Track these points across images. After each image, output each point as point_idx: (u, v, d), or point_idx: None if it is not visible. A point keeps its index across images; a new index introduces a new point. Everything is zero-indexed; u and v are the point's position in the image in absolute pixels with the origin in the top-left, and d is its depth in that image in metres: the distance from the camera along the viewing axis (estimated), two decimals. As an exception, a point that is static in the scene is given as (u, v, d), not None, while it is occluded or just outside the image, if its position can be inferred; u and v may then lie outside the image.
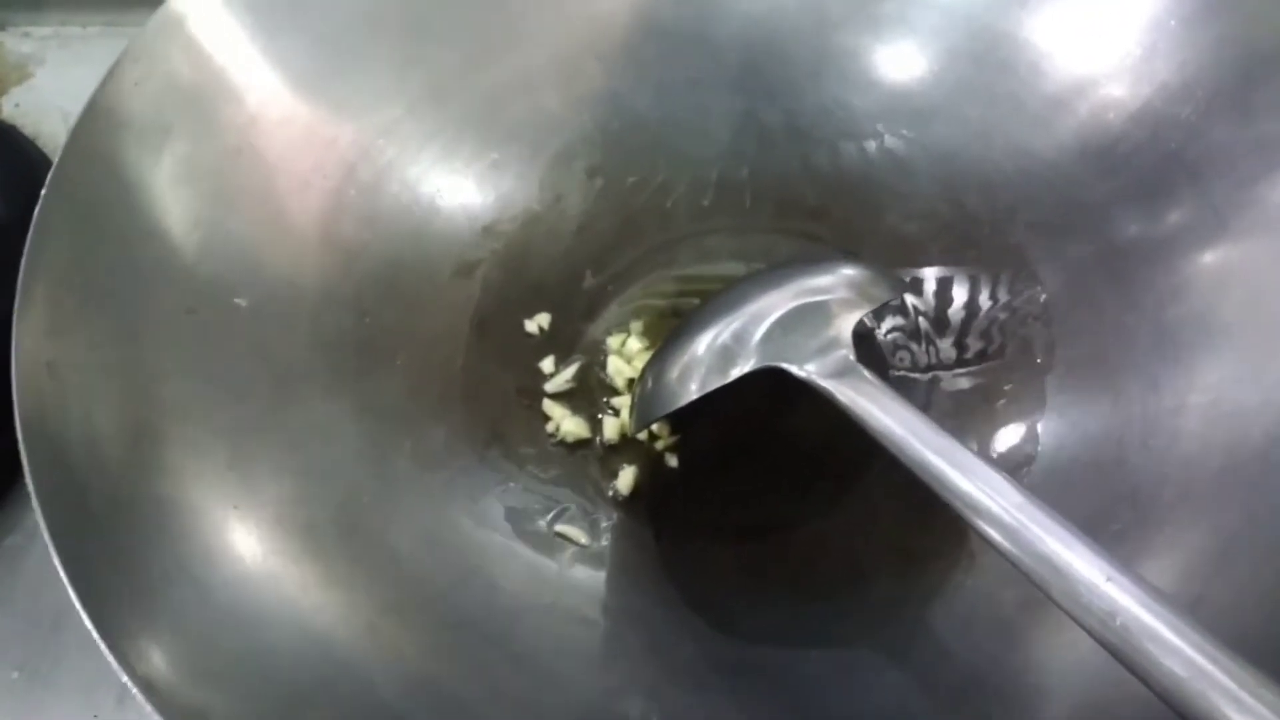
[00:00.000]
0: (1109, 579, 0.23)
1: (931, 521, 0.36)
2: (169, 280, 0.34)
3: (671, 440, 0.38)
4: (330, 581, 0.31)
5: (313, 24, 0.38)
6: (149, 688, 0.25)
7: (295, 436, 0.34)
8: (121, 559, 0.28)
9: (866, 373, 0.31)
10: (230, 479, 0.32)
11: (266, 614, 0.29)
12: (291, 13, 0.37)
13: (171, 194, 0.34)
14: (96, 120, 0.33)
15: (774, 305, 0.34)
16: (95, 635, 0.25)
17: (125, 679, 0.25)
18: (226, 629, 0.28)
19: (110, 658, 0.25)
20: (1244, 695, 0.21)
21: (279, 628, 0.29)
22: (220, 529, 0.31)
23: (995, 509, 0.26)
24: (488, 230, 0.42)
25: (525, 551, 0.35)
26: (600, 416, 0.39)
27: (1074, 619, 0.24)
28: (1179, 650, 0.22)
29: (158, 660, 0.27)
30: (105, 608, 0.26)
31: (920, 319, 0.40)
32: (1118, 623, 0.23)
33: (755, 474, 0.38)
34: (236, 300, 0.35)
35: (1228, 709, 0.21)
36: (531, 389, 0.40)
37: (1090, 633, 0.23)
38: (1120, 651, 0.22)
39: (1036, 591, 0.32)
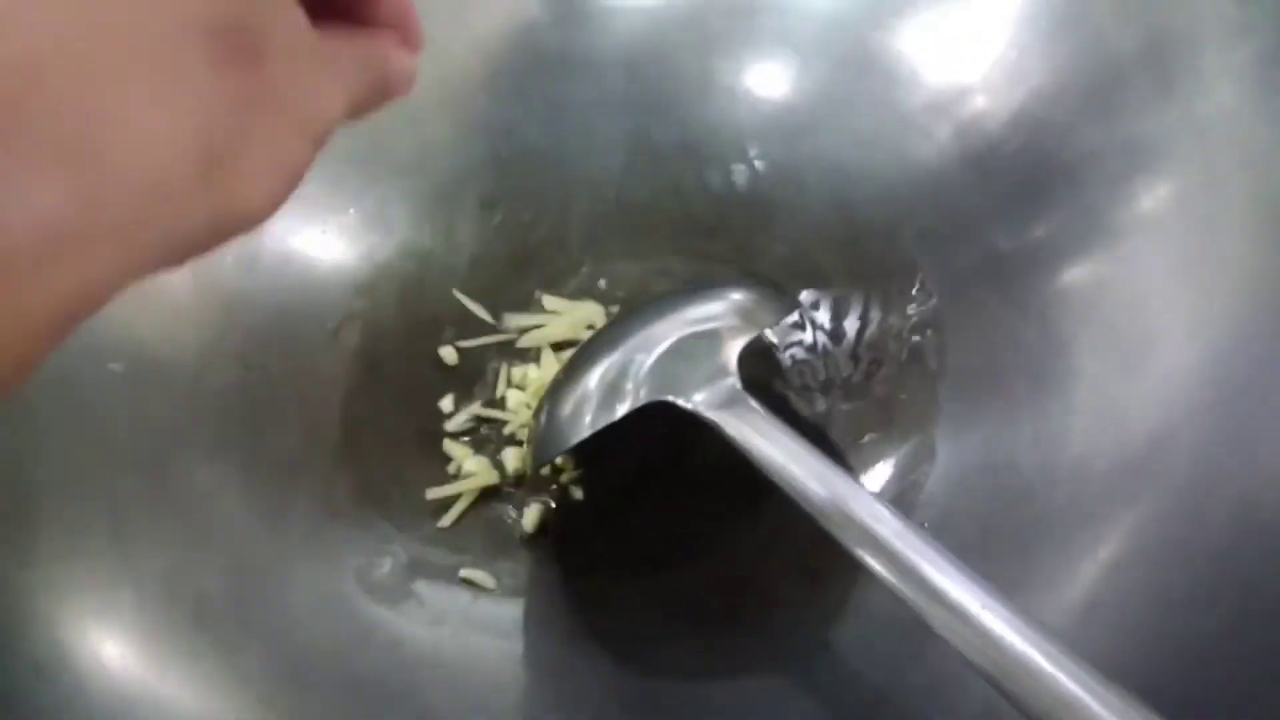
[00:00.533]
0: (984, 607, 0.23)
1: (832, 541, 0.36)
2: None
3: (575, 474, 0.38)
4: (223, 653, 0.31)
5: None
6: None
7: (181, 504, 0.33)
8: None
9: (753, 401, 0.31)
10: (111, 556, 0.31)
11: (155, 699, 0.29)
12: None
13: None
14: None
15: (662, 336, 0.34)
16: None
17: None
18: (102, 717, 0.27)
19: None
20: None
21: (169, 713, 0.28)
22: (100, 610, 0.30)
23: (875, 537, 0.26)
24: (379, 268, 0.41)
25: (429, 602, 0.35)
26: (501, 454, 0.38)
27: (953, 647, 0.24)
28: (1051, 677, 0.22)
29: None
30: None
31: (818, 333, 0.40)
32: (991, 651, 0.23)
33: (661, 504, 0.38)
34: (111, 366, 0.34)
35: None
36: (433, 430, 0.39)
37: (967, 660, 0.23)
38: (994, 679, 0.23)
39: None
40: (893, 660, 0.32)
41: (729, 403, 0.31)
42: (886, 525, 0.26)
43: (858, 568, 0.34)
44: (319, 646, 0.32)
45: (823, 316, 0.40)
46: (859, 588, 0.34)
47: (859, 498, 0.27)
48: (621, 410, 0.32)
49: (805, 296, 0.40)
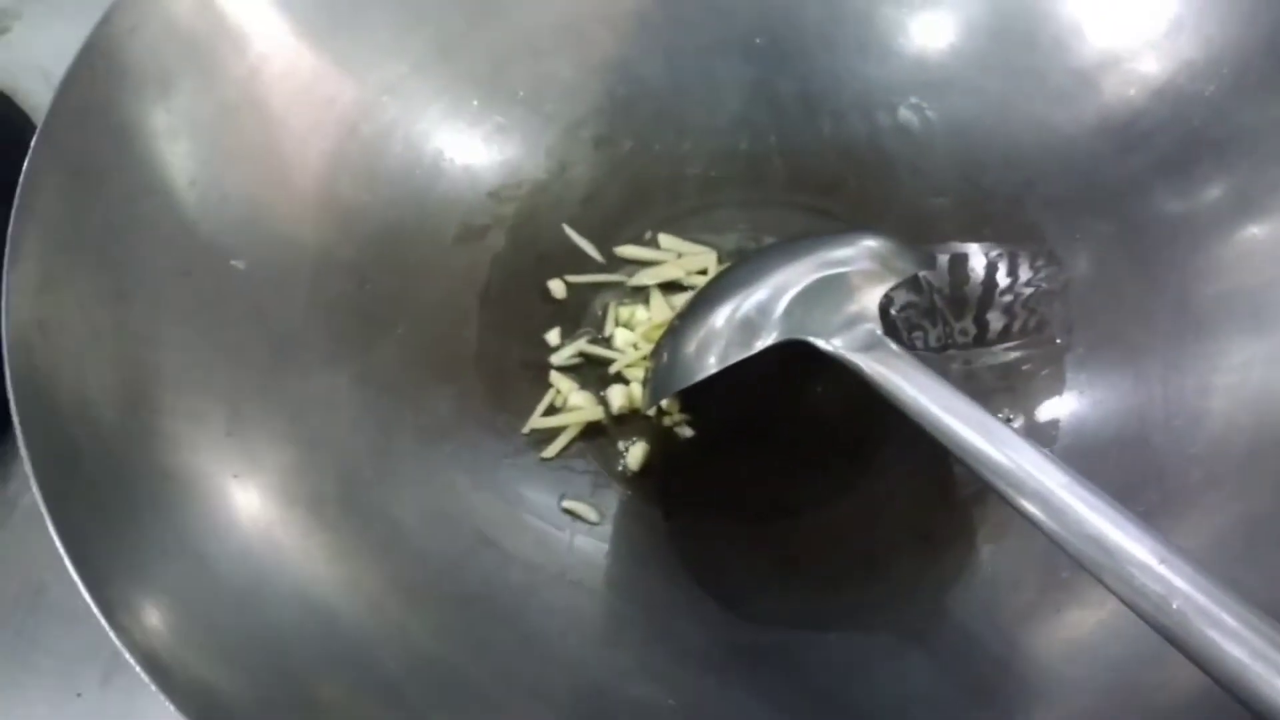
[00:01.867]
0: (1163, 561, 0.22)
1: (950, 503, 0.35)
2: (164, 240, 0.32)
3: (682, 417, 0.37)
4: (334, 555, 0.30)
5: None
6: (148, 660, 0.24)
7: (295, 405, 0.33)
8: (117, 527, 0.27)
9: (895, 346, 0.30)
10: (229, 446, 0.30)
11: (269, 587, 0.28)
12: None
13: (168, 149, 0.33)
14: (90, 68, 0.32)
15: (796, 277, 0.33)
16: (91, 604, 0.24)
17: (123, 650, 0.24)
18: (228, 602, 0.27)
19: (107, 627, 0.24)
20: None
21: (282, 601, 0.28)
22: (220, 498, 0.29)
23: (1040, 488, 0.25)
24: (492, 196, 0.41)
25: (533, 527, 0.34)
26: (606, 390, 0.38)
27: (1126, 603, 0.23)
28: (1240, 635, 0.21)
29: (157, 632, 0.25)
30: (101, 577, 0.25)
31: (935, 296, 0.39)
32: (1174, 606, 0.22)
33: (768, 454, 0.37)
34: (233, 262, 0.34)
35: (1288, 691, 0.20)
36: (537, 361, 0.38)
37: (1144, 617, 0.22)
38: (1177, 637, 0.22)
39: (1058, 575, 0.32)
40: (1011, 630, 0.32)
41: (870, 346, 0.30)
42: (1051, 476, 0.25)
43: (972, 535, 0.34)
44: (428, 560, 0.32)
45: (942, 280, 0.39)
46: (976, 554, 0.33)
47: (1020, 446, 0.26)
48: (758, 346, 0.31)
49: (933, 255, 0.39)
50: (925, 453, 0.35)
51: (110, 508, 0.27)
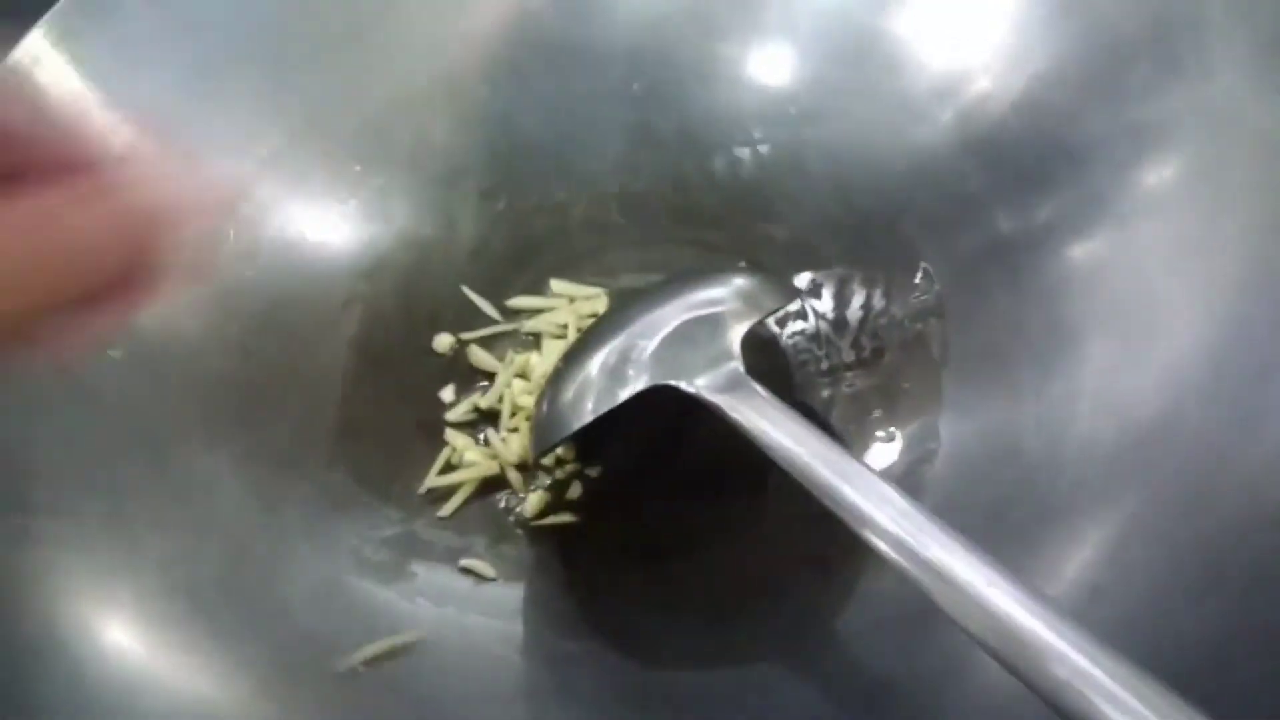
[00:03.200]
0: (990, 583, 0.23)
1: (841, 526, 0.35)
2: (33, 338, 0.32)
3: (576, 465, 0.38)
4: (218, 641, 0.30)
5: (171, 64, 0.37)
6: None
7: (176, 492, 0.33)
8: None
9: (756, 385, 0.31)
10: (105, 543, 0.30)
11: (149, 684, 0.28)
12: (147, 56, 0.36)
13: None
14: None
15: (664, 320, 0.33)
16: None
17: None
18: (107, 705, 0.27)
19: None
20: (1124, 694, 0.21)
21: (163, 699, 0.28)
22: (98, 597, 0.29)
23: (881, 518, 0.25)
24: (379, 259, 0.41)
25: (429, 590, 0.35)
26: (504, 438, 0.38)
27: (959, 625, 0.24)
28: (1060, 653, 0.22)
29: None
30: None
31: (820, 322, 0.40)
32: (999, 627, 0.22)
33: (664, 493, 0.37)
34: (110, 352, 0.34)
35: (1107, 709, 0.21)
36: (432, 420, 0.39)
37: (974, 638, 0.23)
38: (1001, 656, 0.22)
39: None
40: (901, 648, 0.32)
41: (732, 386, 0.31)
42: (892, 504, 0.25)
43: (864, 556, 0.34)
44: (317, 635, 0.32)
45: (825, 304, 0.40)
46: (866, 576, 0.34)
47: (863, 478, 0.26)
48: (624, 395, 0.32)
49: (806, 283, 0.40)
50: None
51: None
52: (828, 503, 0.27)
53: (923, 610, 0.32)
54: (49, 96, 0.34)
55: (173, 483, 0.33)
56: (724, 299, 0.34)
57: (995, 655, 0.23)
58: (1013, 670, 0.22)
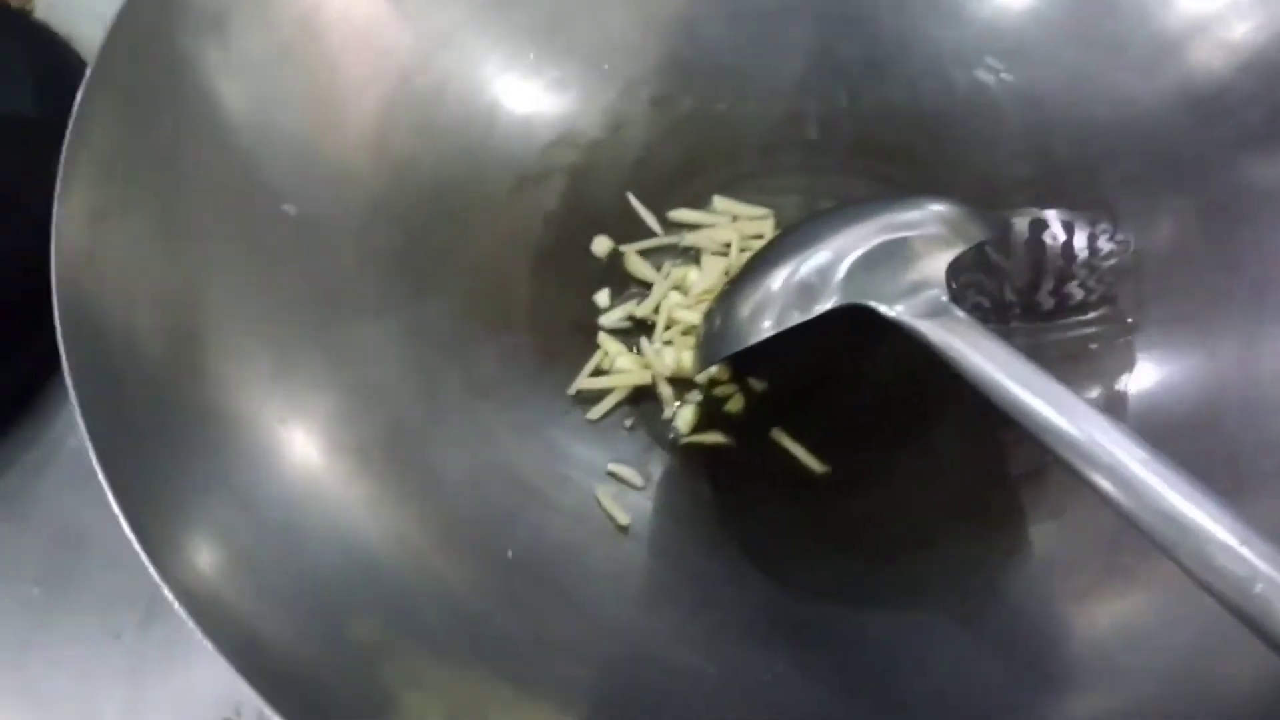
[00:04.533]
0: (1245, 542, 0.21)
1: (1005, 481, 0.34)
2: (216, 179, 0.32)
3: (733, 387, 0.36)
4: (376, 504, 0.30)
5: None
6: (188, 598, 0.24)
7: (343, 354, 0.32)
8: (161, 465, 0.26)
9: (961, 314, 0.29)
10: (275, 391, 0.30)
11: (311, 532, 0.28)
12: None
13: (221, 86, 0.32)
14: (144, 3, 0.31)
15: (858, 240, 0.31)
16: (132, 539, 0.24)
17: (163, 586, 0.23)
18: (269, 544, 0.27)
19: (147, 563, 0.24)
20: None
21: (324, 546, 0.28)
22: (264, 442, 0.29)
23: (1113, 461, 0.24)
24: (546, 152, 0.40)
25: (578, 488, 0.34)
26: (658, 349, 0.37)
27: (1202, 584, 0.22)
28: None
29: (197, 572, 0.25)
30: (143, 513, 0.25)
31: (1001, 269, 0.38)
32: (1257, 590, 0.21)
33: (820, 424, 0.36)
34: (284, 207, 0.33)
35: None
36: (586, 322, 0.38)
37: (1222, 600, 0.21)
38: (1258, 623, 0.21)
39: (1119, 559, 0.31)
40: (1067, 610, 0.31)
41: (936, 313, 0.29)
42: (1126, 449, 0.24)
43: (1027, 514, 0.33)
44: (470, 514, 0.31)
45: (1007, 253, 0.38)
46: (1033, 531, 0.32)
47: (1092, 418, 0.24)
48: (816, 310, 0.30)
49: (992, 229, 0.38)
50: (982, 429, 0.34)
51: (155, 446, 0.27)
52: (1046, 439, 0.25)
53: (1093, 575, 0.31)
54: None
55: (336, 345, 0.32)
56: (923, 223, 0.32)
57: (1249, 619, 0.21)
58: (1272, 639, 0.20)
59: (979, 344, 0.27)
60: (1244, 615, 0.21)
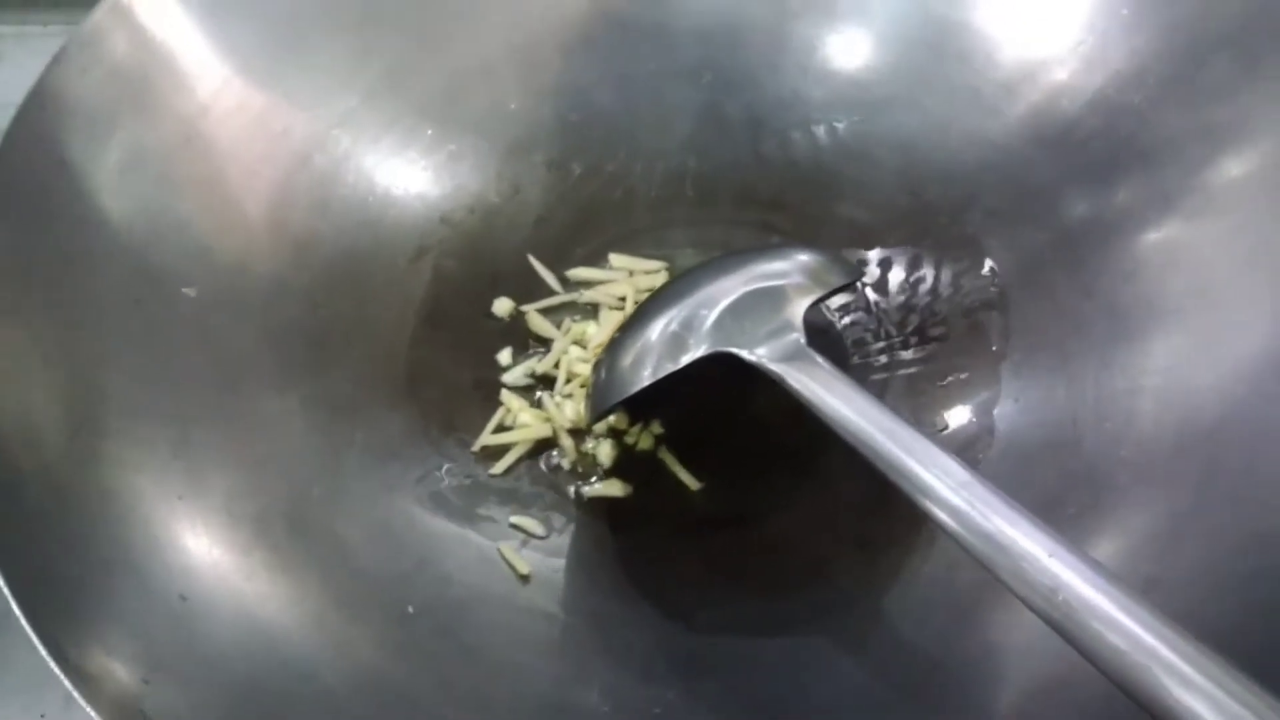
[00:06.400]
0: (1051, 554, 0.23)
1: (891, 509, 0.35)
2: (115, 269, 0.33)
3: (631, 434, 0.38)
4: (278, 573, 0.31)
5: (265, 12, 0.37)
6: (85, 683, 0.25)
7: (244, 428, 0.34)
8: (60, 552, 0.27)
9: (817, 357, 0.31)
10: (175, 469, 0.31)
11: (211, 606, 0.29)
12: (242, 4, 0.37)
13: (118, 182, 0.34)
14: (41, 106, 0.33)
15: (726, 291, 0.34)
16: (29, 630, 0.25)
17: (60, 674, 0.24)
18: (169, 622, 0.28)
19: (44, 652, 0.25)
20: (1186, 668, 0.21)
21: (223, 620, 0.29)
22: (165, 520, 0.30)
23: (941, 488, 0.25)
24: (445, 220, 0.42)
25: (479, 543, 0.35)
26: (558, 402, 0.39)
27: (1018, 596, 0.24)
28: (1121, 625, 0.22)
29: (97, 655, 0.26)
30: (42, 603, 0.26)
31: (877, 306, 0.40)
32: (1060, 599, 0.22)
33: (715, 465, 0.37)
34: (185, 290, 0.35)
35: (1169, 682, 0.21)
36: (489, 381, 0.39)
37: (1034, 609, 0.23)
38: (1063, 627, 0.22)
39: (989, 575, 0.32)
40: (944, 632, 0.32)
41: (793, 356, 0.31)
42: (953, 476, 0.25)
43: (913, 540, 0.34)
44: (371, 577, 0.32)
45: (885, 292, 0.40)
46: (913, 560, 0.34)
47: (925, 449, 0.26)
48: (685, 360, 0.32)
49: (867, 268, 0.40)
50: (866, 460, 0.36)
51: (53, 535, 0.28)
52: (887, 472, 0.27)
53: (968, 597, 0.33)
54: (151, 29, 0.35)
55: (239, 420, 0.34)
56: (788, 272, 0.34)
57: (1057, 627, 0.23)
58: (1073, 642, 0.22)
59: (827, 384, 0.29)
60: (1052, 622, 0.23)
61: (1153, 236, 0.35)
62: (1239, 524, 0.29)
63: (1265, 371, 0.31)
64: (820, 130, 0.43)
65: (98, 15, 0.34)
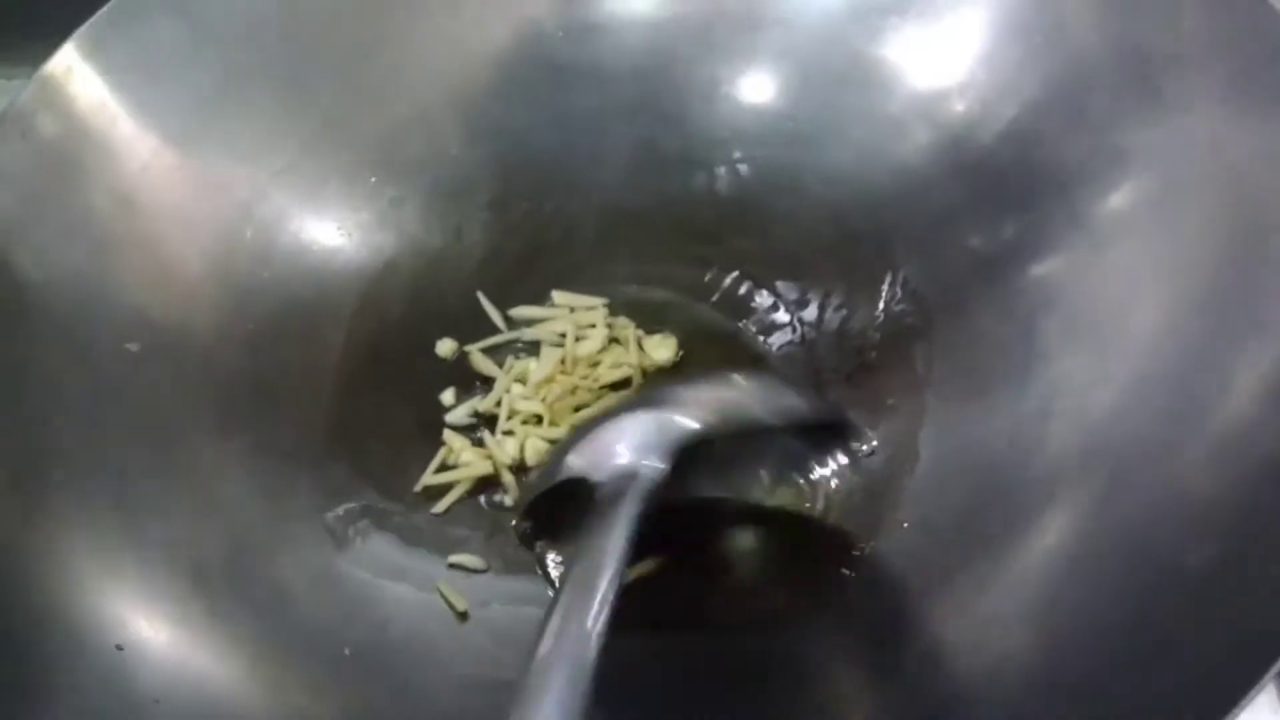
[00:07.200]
0: None
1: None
2: (54, 329, 0.34)
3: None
4: (215, 620, 0.32)
5: (195, 76, 0.39)
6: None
7: (184, 477, 0.35)
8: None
9: (625, 505, 0.31)
10: (114, 521, 0.32)
11: (145, 655, 0.30)
12: (171, 69, 0.38)
13: (56, 247, 0.35)
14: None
15: (623, 416, 0.35)
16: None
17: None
18: (105, 673, 0.29)
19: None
20: None
21: (158, 668, 0.30)
22: (102, 572, 0.31)
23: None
24: (389, 265, 0.43)
25: (419, 582, 0.36)
26: (499, 440, 0.39)
27: None
28: None
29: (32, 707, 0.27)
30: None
31: (805, 337, 0.41)
32: None
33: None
34: (127, 345, 0.36)
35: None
36: (432, 421, 0.40)
37: None
38: None
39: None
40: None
41: (618, 495, 0.31)
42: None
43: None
44: (309, 620, 0.33)
45: (814, 320, 0.41)
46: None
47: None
48: (555, 480, 0.34)
49: (794, 295, 0.41)
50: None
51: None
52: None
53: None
54: (79, 105, 0.36)
55: (180, 470, 0.35)
56: (686, 401, 0.35)
57: None
58: None
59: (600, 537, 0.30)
60: None
61: (1062, 260, 0.36)
62: (1138, 542, 0.30)
63: (1165, 390, 0.32)
64: (751, 164, 0.44)
65: (24, 96, 0.35)
